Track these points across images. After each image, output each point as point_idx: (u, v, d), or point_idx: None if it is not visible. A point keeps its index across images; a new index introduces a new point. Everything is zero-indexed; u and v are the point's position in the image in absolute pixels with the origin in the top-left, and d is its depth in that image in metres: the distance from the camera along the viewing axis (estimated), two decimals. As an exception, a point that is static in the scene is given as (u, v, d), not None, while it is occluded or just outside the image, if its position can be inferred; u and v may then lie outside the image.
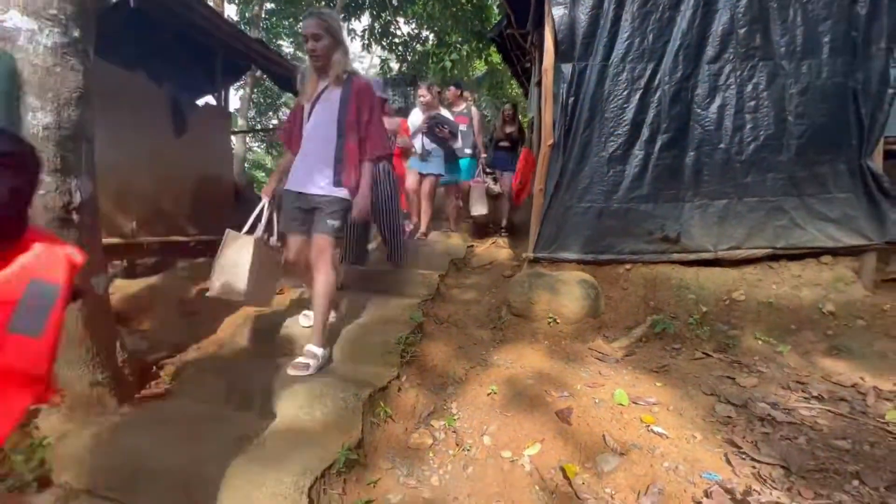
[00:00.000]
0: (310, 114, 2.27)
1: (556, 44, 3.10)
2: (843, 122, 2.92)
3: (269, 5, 11.18)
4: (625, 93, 3.07)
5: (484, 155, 5.15)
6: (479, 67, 13.84)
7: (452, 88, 5.08)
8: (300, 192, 2.23)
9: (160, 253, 4.02)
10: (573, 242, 3.21)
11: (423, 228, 4.60)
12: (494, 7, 9.52)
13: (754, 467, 1.58)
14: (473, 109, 5.07)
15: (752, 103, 2.97)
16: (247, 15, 11.01)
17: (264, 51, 4.82)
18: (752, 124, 2.99)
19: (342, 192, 2.21)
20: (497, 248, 4.74)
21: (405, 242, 3.66)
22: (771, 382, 2.22)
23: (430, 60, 10.02)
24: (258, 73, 8.19)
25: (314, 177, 2.19)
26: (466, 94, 5.68)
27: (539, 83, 4.61)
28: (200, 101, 5.05)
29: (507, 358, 2.56)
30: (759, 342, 2.67)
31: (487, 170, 5.17)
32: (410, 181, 4.56)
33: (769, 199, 3.00)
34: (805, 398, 2.07)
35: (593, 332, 2.86)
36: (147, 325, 2.99)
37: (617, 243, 3.17)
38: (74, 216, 1.80)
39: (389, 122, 3.27)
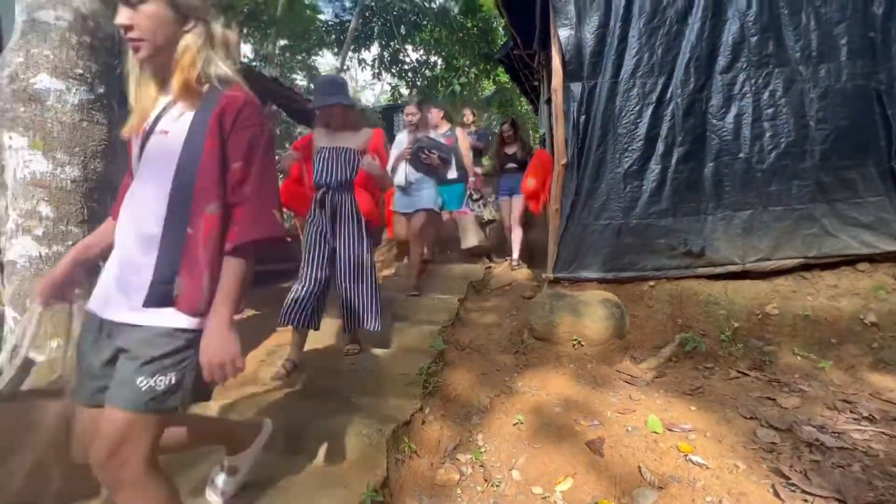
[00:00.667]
0: (139, 156, 1.12)
1: (564, 63, 3.11)
2: (869, 124, 2.82)
3: (282, 42, 11.64)
4: (637, 108, 3.04)
5: (472, 178, 4.67)
6: (488, 87, 14.05)
7: (435, 110, 4.50)
8: (101, 318, 1.08)
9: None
10: (593, 261, 3.15)
11: (413, 281, 3.67)
12: (500, 29, 9.70)
13: (806, 500, 1.47)
14: (458, 130, 4.60)
15: (770, 111, 2.91)
16: (262, 53, 11.48)
17: (279, 88, 4.98)
18: (771, 132, 2.91)
19: (174, 320, 1.02)
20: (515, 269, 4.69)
21: (380, 304, 2.64)
22: (815, 402, 2.10)
23: (440, 84, 10.23)
24: (273, 107, 8.49)
25: (122, 286, 1.06)
26: (467, 112, 5.68)
27: (549, 101, 4.63)
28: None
29: (531, 384, 2.49)
30: (798, 358, 2.54)
31: (475, 195, 4.74)
32: (398, 230, 3.79)
33: (796, 208, 2.90)
34: (855, 419, 1.94)
35: (620, 354, 2.77)
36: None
37: (638, 260, 3.10)
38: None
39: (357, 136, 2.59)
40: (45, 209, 1.70)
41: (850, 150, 2.84)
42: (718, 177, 2.99)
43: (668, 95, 3.01)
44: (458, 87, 8.36)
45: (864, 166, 2.84)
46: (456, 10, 9.36)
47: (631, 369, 2.60)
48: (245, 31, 9.28)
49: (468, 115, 5.19)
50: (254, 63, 11.78)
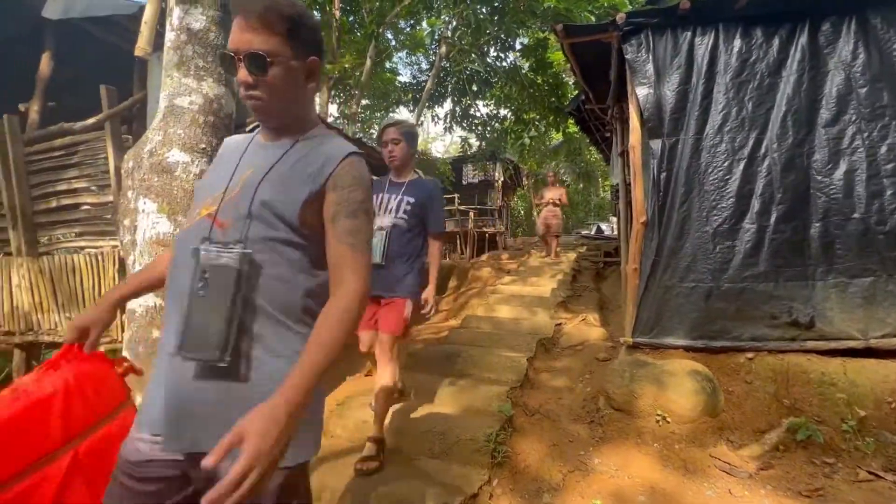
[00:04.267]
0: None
1: (643, 121, 3.04)
2: None
3: (364, 102, 12.75)
4: (726, 164, 2.87)
5: None
6: (556, 137, 14.15)
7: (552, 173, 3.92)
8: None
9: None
10: (678, 326, 2.89)
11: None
12: (570, 83, 9.88)
13: None
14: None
15: (891, 166, 2.59)
16: (346, 112, 12.64)
17: (363, 148, 5.40)
18: (893, 189, 2.58)
19: None
20: (587, 326, 4.45)
21: None
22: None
23: (509, 137, 10.48)
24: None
25: None
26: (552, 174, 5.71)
27: (622, 154, 4.53)
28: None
29: (610, 462, 2.27)
30: (953, 462, 2.08)
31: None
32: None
33: (933, 276, 2.48)
34: None
35: (713, 436, 2.45)
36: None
37: (732, 328, 2.79)
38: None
39: None
40: (164, 265, 1.92)
41: None
42: (828, 238, 2.66)
43: (763, 151, 2.81)
44: (527, 140, 8.51)
45: None
46: (526, 67, 9.70)
47: (728, 456, 2.29)
48: (332, 93, 10.34)
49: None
50: (338, 121, 12.98)
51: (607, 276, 7.08)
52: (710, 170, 2.89)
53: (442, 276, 5.90)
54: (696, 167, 2.92)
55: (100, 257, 2.97)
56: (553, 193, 7.79)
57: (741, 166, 2.84)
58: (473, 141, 13.66)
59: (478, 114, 12.52)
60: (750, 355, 2.76)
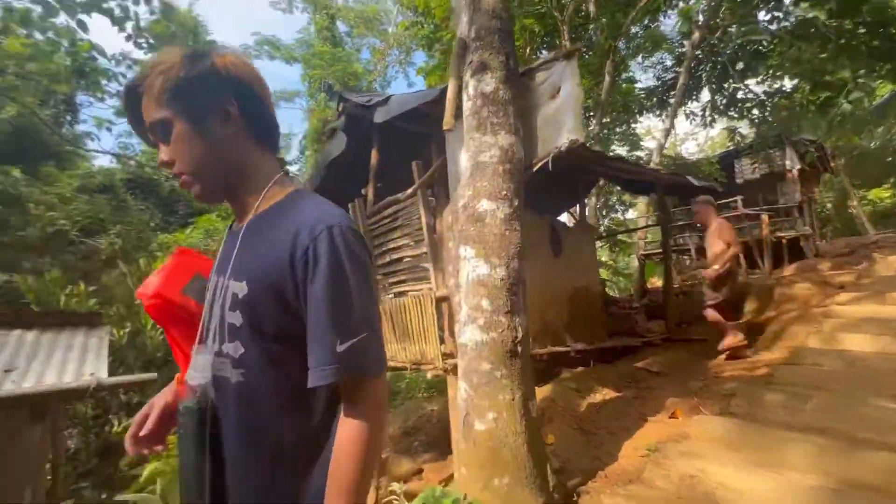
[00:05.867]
0: None
1: None
2: None
3: (605, 119, 12.31)
4: None
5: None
6: (881, 92, 10.05)
7: None
8: None
9: (548, 363, 4.47)
10: None
11: None
12: (907, 10, 6.86)
13: None
14: None
15: None
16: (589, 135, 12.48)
17: (619, 164, 5.09)
18: None
19: None
20: None
21: None
22: None
23: (806, 110, 8.03)
24: (601, 182, 8.83)
25: None
26: None
27: None
28: (562, 217, 5.82)
29: None
30: None
31: None
32: None
33: None
34: None
35: None
36: (551, 438, 3.22)
37: None
38: (518, 348, 2.16)
39: None
40: (485, 303, 2.15)
41: None
42: None
43: None
44: (847, 107, 6.22)
45: None
46: (823, 16, 7.34)
47: None
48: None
49: None
50: (578, 146, 12.89)
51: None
52: None
53: (734, 297, 4.79)
54: None
55: (420, 298, 3.67)
56: None
57: None
58: (744, 130, 11.15)
59: (749, 95, 10.21)
60: None
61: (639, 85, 12.05)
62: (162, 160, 0.81)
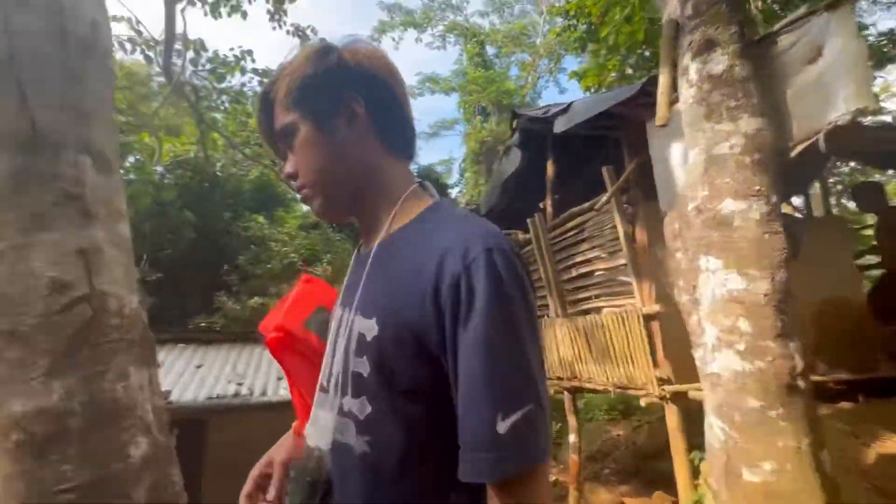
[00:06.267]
0: None
1: None
2: None
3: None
4: None
5: None
6: None
7: None
8: None
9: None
10: None
11: None
12: None
13: None
14: None
15: None
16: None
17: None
18: None
19: None
20: None
21: None
22: None
23: None
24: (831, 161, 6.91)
25: None
26: None
27: None
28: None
29: None
30: None
31: None
32: None
33: None
34: None
35: None
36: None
37: None
38: (799, 382, 1.70)
39: None
40: (744, 325, 1.76)
41: None
42: None
43: None
44: None
45: None
46: None
47: None
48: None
49: None
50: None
51: None
52: None
53: None
54: None
55: (624, 315, 3.33)
56: None
57: None
58: None
59: None
60: None
61: (870, 31, 9.20)
62: (287, 172, 0.71)
